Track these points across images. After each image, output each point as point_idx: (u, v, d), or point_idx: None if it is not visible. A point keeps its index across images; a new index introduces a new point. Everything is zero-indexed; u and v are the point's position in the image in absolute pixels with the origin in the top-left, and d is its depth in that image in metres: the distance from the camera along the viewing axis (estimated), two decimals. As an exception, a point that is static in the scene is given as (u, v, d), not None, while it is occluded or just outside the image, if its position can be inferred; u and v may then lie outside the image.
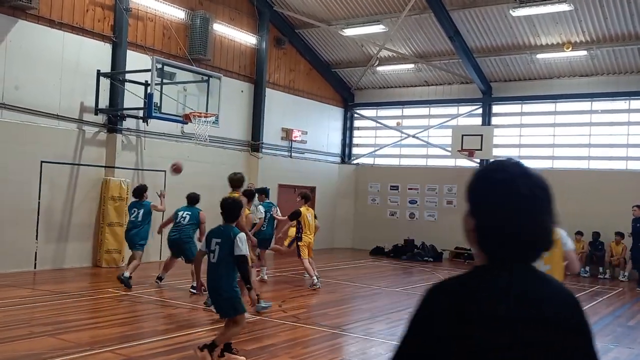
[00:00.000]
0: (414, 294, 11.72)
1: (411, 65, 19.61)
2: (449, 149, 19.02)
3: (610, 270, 16.58)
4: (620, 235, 16.38)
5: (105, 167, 13.66)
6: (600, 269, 16.67)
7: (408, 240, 19.37)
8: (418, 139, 20.64)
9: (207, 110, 13.26)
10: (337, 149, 21.79)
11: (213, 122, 13.43)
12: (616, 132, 17.57)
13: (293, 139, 19.22)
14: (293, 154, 19.46)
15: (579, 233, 16.85)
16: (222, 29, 16.38)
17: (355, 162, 22.00)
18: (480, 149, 18.05)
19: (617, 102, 17.59)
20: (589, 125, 17.96)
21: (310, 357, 6.69)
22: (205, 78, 13.75)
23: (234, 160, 17.18)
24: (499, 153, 19.07)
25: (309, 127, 20.09)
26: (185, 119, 13.00)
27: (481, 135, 18.17)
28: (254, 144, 17.83)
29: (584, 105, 18.04)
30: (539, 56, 17.46)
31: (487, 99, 19.40)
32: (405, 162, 21.16)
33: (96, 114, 13.55)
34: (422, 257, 18.41)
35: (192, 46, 15.54)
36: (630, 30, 15.73)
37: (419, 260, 18.18)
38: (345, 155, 21.98)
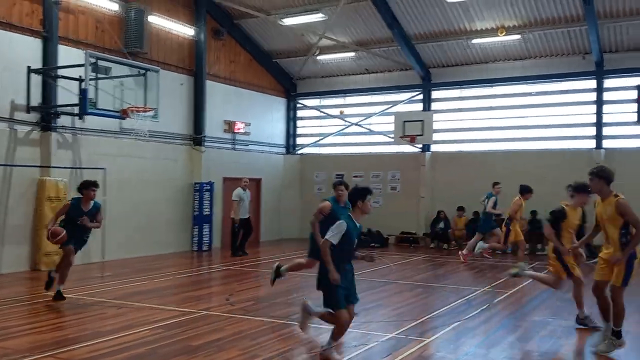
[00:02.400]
0: (362, 281, 11.84)
1: (352, 54, 19.71)
2: (392, 135, 19.25)
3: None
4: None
5: (40, 167, 13.18)
6: (539, 246, 17.26)
7: (355, 227, 19.50)
8: (361, 126, 20.81)
9: (145, 105, 12.98)
10: (282, 140, 21.72)
11: (152, 117, 13.16)
12: (551, 113, 18.18)
13: (236, 131, 19.04)
14: (237, 147, 19.29)
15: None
16: (158, 21, 16.01)
17: (300, 152, 21.99)
18: (422, 135, 18.36)
19: (551, 84, 18.21)
20: (524, 108, 18.53)
21: (259, 348, 6.68)
22: (142, 72, 13.43)
23: (176, 154, 16.92)
24: (440, 138, 19.48)
25: (252, 118, 19.94)
26: (123, 114, 12.68)
27: (422, 121, 18.47)
28: (197, 137, 17.57)
29: (520, 88, 18.59)
30: (475, 41, 17.85)
31: (426, 85, 19.72)
32: (349, 150, 21.31)
33: (28, 112, 13.04)
34: (369, 243, 18.60)
35: (127, 39, 15.14)
36: (560, 13, 16.26)
37: (365, 247, 18.34)
38: (290, 146, 21.95)
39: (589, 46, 16.78)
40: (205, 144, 17.77)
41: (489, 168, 18.31)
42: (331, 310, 6.16)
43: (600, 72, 17.26)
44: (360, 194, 6.24)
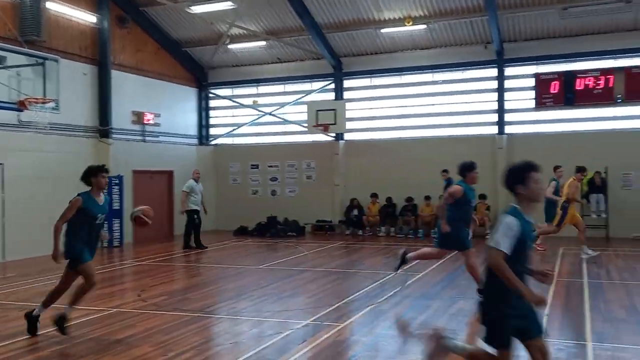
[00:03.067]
0: (278, 270, 11.89)
1: (263, 43, 19.56)
2: (306, 125, 19.34)
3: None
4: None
5: None
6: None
7: (271, 217, 19.53)
8: (275, 116, 20.75)
9: (44, 96, 12.29)
10: (194, 131, 21.30)
11: (53, 108, 12.48)
12: (457, 101, 18.87)
13: (145, 122, 18.46)
14: (147, 138, 18.72)
15: (428, 198, 18.06)
16: (57, 8, 15.18)
17: (213, 143, 21.66)
18: (334, 124, 18.56)
19: (455, 72, 18.89)
20: (432, 96, 19.13)
21: (172, 342, 6.54)
22: (41, 61, 12.69)
23: (81, 147, 16.19)
24: (352, 126, 19.77)
25: (162, 109, 19.40)
26: (20, 105, 11.94)
27: (334, 110, 18.67)
28: (103, 129, 16.88)
29: (427, 76, 19.17)
30: (384, 31, 18.20)
31: (338, 74, 19.92)
32: (264, 140, 21.21)
33: None
34: (286, 232, 18.66)
35: (23, 27, 14.29)
36: (463, 4, 16.86)
37: (282, 236, 18.40)
38: (203, 137, 21.56)
39: (490, 36, 17.51)
40: (113, 136, 17.12)
41: (400, 155, 18.82)
42: (490, 350, 4.22)
43: (501, 61, 18.07)
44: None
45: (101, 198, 7.11)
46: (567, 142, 17.40)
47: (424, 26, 17.74)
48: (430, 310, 8.06)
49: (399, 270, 9.32)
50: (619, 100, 16.79)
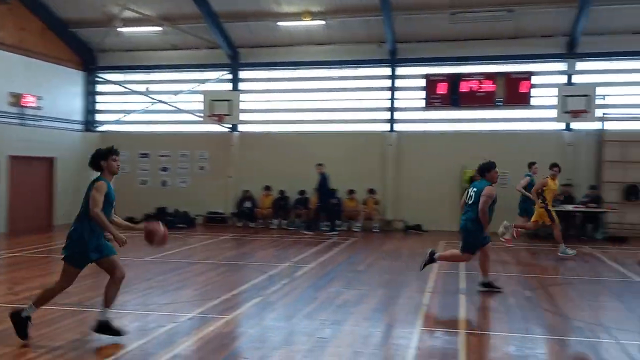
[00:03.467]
0: (166, 262, 11.58)
1: (158, 28, 18.93)
2: (200, 114, 18.96)
3: (347, 223, 18.36)
4: (352, 192, 18.21)
5: None
6: (337, 222, 18.30)
7: (160, 208, 18.98)
8: (168, 104, 20.16)
9: None
10: (80, 116, 20.24)
11: None
12: (351, 97, 19.27)
13: (25, 104, 17.29)
14: (26, 122, 17.55)
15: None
16: None
17: (100, 129, 20.69)
18: (230, 115, 18.35)
19: (350, 69, 19.28)
20: (327, 91, 19.41)
21: (45, 337, 6.19)
22: None
23: (-50, 129, 14.90)
24: (248, 118, 19.64)
25: (45, 91, 18.25)
26: None
27: (230, 101, 18.45)
28: (-24, 110, 15.64)
29: (322, 72, 19.42)
30: (281, 24, 18.21)
31: (234, 65, 19.69)
32: (155, 128, 20.56)
33: None
34: (175, 224, 18.20)
35: None
36: (359, 3, 17.21)
37: (172, 228, 17.80)
38: (89, 123, 20.54)
39: (385, 35, 18.03)
40: (-13, 118, 15.91)
41: (295, 149, 18.95)
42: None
43: (393, 60, 18.66)
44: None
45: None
46: (452, 141, 18.31)
47: (321, 22, 17.93)
48: (316, 302, 8.19)
49: (423, 269, 9.29)
50: (499, 104, 17.90)
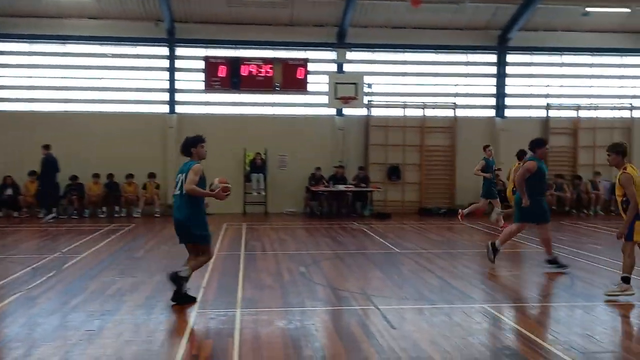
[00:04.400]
0: None
1: None
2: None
3: (126, 209, 17.55)
4: (131, 176, 17.48)
5: None
6: (116, 208, 17.40)
7: None
8: None
9: None
10: None
11: None
12: (127, 77, 18.33)
13: None
14: None
15: (96, 175, 17.24)
16: None
17: None
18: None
19: (126, 47, 18.32)
20: (101, 69, 18.22)
21: None
22: None
23: None
24: (6, 95, 17.60)
25: None
26: None
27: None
28: None
29: (95, 48, 18.16)
30: (46, -7, 16.58)
31: (-11, 35, 17.46)
32: None
33: None
34: None
35: None
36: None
37: None
38: None
39: (162, 14, 17.41)
40: None
41: (66, 130, 17.54)
42: None
43: (172, 40, 18.14)
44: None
45: None
46: (233, 125, 18.47)
47: (90, -6, 16.72)
48: (87, 292, 7.67)
49: (495, 261, 9.42)
50: (277, 88, 18.47)
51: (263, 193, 18.13)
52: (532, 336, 5.80)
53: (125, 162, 17.61)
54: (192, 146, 7.21)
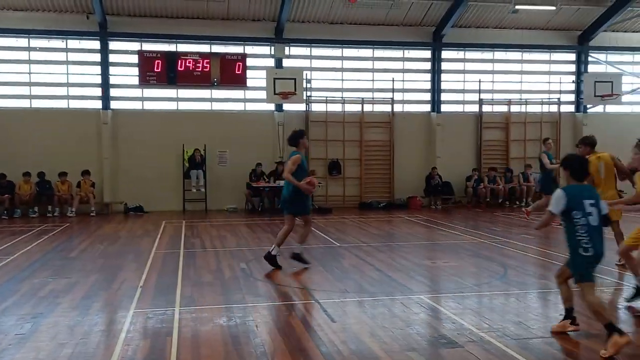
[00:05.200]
0: None
1: None
2: None
3: (60, 208, 16.96)
4: (64, 174, 16.92)
5: None
6: (49, 207, 16.81)
7: None
8: None
9: None
10: None
11: None
12: (57, 71, 17.70)
13: None
14: None
15: (27, 174, 16.59)
16: None
17: None
18: None
19: (56, 41, 17.67)
20: (29, 63, 17.52)
21: None
22: None
23: None
24: None
25: None
26: None
27: None
28: None
29: (21, 41, 17.46)
30: (-33, -17, 15.77)
31: None
32: None
33: None
34: None
35: None
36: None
37: None
38: None
39: (92, 6, 16.87)
40: None
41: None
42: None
43: (104, 34, 17.61)
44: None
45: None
46: (171, 120, 18.16)
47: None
48: (17, 294, 7.37)
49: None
50: (215, 84, 18.24)
51: (203, 190, 17.91)
52: (467, 324, 5.98)
53: (58, 160, 17.03)
54: (300, 137, 8.81)
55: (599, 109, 20.66)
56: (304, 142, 8.87)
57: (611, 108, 20.75)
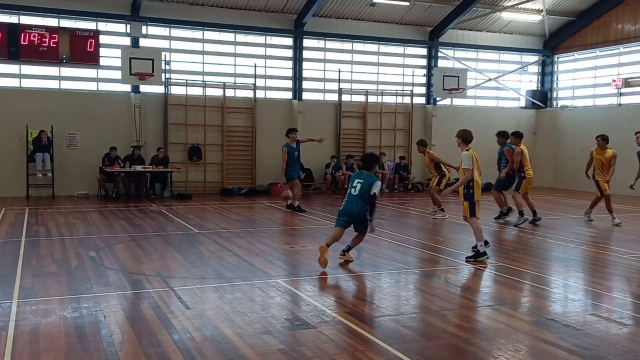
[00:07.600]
0: None
1: None
2: None
3: None
4: None
5: None
6: None
7: None
8: None
9: None
10: None
11: None
12: None
13: None
14: None
15: None
16: None
17: None
18: None
19: None
20: None
21: None
22: None
23: None
24: None
25: None
26: None
27: None
28: None
29: None
30: None
31: None
32: None
33: None
34: None
35: None
36: None
37: None
38: None
39: None
40: None
41: None
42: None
43: None
44: None
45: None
46: (13, 98, 16.71)
47: None
48: None
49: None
50: (64, 61, 16.99)
51: (50, 174, 16.64)
52: (321, 306, 6.12)
53: None
54: (290, 133, 13.85)
55: (447, 101, 22.08)
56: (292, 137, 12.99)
57: (458, 101, 22.28)
